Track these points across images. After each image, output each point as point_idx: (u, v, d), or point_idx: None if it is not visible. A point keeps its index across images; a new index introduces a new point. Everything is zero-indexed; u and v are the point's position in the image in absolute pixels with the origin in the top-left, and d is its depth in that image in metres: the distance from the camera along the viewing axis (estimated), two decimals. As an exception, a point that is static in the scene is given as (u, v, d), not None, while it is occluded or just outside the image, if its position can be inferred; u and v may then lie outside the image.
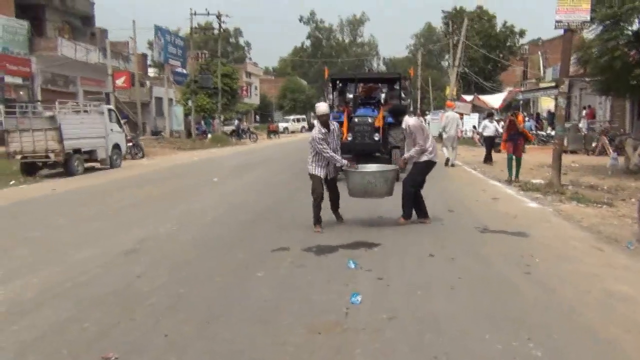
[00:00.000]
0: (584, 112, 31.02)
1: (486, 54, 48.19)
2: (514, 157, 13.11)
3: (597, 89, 17.44)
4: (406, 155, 8.07)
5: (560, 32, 12.82)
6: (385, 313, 4.30)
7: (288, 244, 6.66)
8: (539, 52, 47.95)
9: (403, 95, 16.10)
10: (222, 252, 6.42)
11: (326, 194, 7.72)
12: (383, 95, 15.91)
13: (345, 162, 7.64)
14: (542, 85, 41.80)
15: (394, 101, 14.84)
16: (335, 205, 8.00)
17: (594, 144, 22.21)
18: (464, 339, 3.83)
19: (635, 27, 15.03)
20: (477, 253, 6.21)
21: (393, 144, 13.55)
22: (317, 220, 7.54)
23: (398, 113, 8.45)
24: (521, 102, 45.39)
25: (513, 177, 13.10)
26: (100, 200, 10.88)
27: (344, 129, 12.89)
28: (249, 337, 3.87)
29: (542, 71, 45.39)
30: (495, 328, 4.01)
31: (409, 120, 7.94)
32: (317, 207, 7.51)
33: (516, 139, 13.08)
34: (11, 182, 13.82)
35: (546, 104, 41.63)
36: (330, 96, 15.70)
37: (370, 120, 13.30)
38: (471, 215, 8.69)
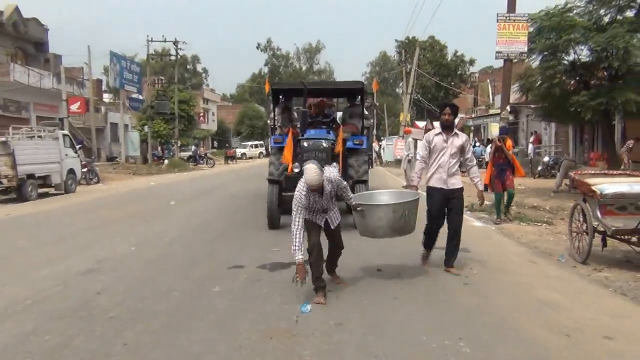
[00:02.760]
0: (531, 138, 32.46)
1: (437, 82, 49.80)
2: (506, 191, 10.83)
3: (539, 115, 18.47)
4: (480, 184, 6.59)
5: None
6: (333, 320, 4.65)
7: (244, 262, 6.95)
8: (488, 80, 49.81)
9: (366, 113, 13.19)
10: (180, 270, 6.65)
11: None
12: (340, 114, 12.94)
13: (299, 257, 5.16)
14: (491, 111, 43.44)
15: (354, 121, 11.62)
16: (333, 262, 5.99)
17: (539, 168, 23.30)
18: (403, 340, 4.21)
19: (571, 57, 16.10)
20: (421, 268, 6.63)
21: (355, 177, 10.09)
22: (318, 286, 5.33)
23: (454, 108, 6.57)
24: (472, 127, 47.07)
25: (502, 216, 10.88)
26: (56, 224, 10.90)
27: (287, 155, 9.65)
28: (206, 343, 4.14)
29: (491, 98, 47.20)
30: (432, 331, 4.40)
31: (461, 133, 6.52)
32: (316, 266, 5.36)
33: (505, 169, 10.74)
34: (-38, 208, 13.62)
35: (495, 129, 43.21)
36: (272, 114, 12.43)
37: (325, 144, 9.64)
38: (418, 234, 9.13)
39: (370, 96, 15.09)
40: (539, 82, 16.78)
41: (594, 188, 6.88)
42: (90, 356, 3.91)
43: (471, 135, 47.41)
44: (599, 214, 6.83)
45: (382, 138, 45.77)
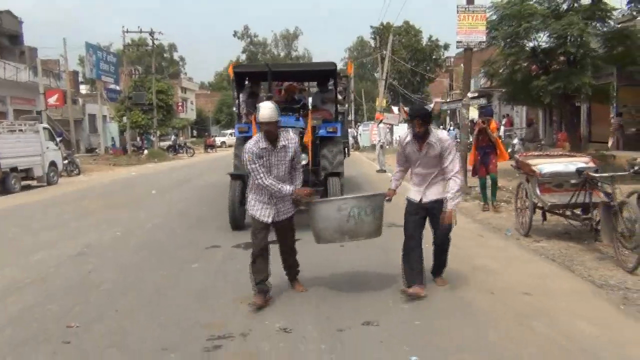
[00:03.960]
0: (503, 121, 33.46)
1: (412, 68, 50.52)
2: (488, 176, 10.30)
3: (503, 99, 19.34)
4: (451, 202, 5.08)
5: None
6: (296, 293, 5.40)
7: (220, 243, 7.67)
8: (462, 64, 50.67)
9: (340, 98, 12.03)
10: (163, 252, 7.36)
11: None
12: (310, 100, 11.71)
13: (290, 189, 4.95)
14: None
15: (327, 106, 10.64)
16: (291, 266, 5.40)
17: (509, 150, 24.24)
18: (360, 289, 4.97)
19: (532, 43, 16.93)
20: (379, 245, 7.33)
21: (329, 170, 9.26)
22: (259, 289, 4.94)
23: (426, 117, 5.09)
24: (448, 111, 48.04)
25: (491, 202, 10.43)
26: (43, 214, 11.49)
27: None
28: (188, 307, 4.87)
29: (465, 82, 48.06)
30: (381, 285, 5.23)
31: (441, 133, 5.34)
32: (256, 270, 4.97)
33: (488, 153, 10.19)
34: (-52, 201, 14.08)
35: (470, 113, 44.25)
36: (237, 101, 11.08)
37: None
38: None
39: (345, 79, 14.05)
40: (502, 69, 17.67)
41: (534, 168, 7.70)
42: (87, 320, 4.61)
43: (447, 119, 48.48)
44: (538, 191, 7.66)
45: (358, 124, 46.45)
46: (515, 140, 24.51)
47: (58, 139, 20.75)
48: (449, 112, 47.70)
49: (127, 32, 39.39)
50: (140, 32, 40.69)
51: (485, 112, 11.64)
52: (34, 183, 18.10)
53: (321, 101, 10.89)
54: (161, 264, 6.60)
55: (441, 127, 36.85)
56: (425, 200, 5.26)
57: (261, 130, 4.93)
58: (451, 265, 5.99)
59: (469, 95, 43.96)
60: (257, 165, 4.82)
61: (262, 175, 4.83)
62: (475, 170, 10.56)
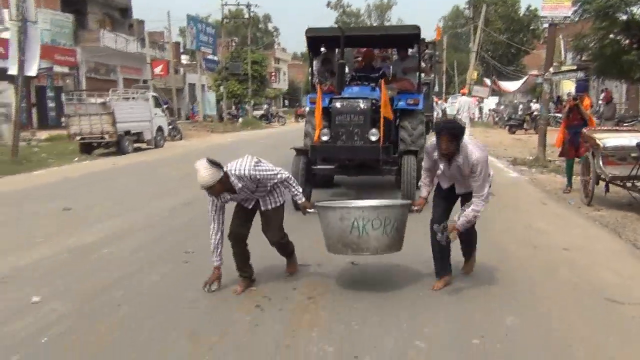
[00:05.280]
0: (601, 96, 32.33)
1: (506, 40, 49.06)
2: (579, 159, 9.30)
3: (592, 74, 19.05)
4: (459, 221, 4.41)
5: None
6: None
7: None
8: (560, 36, 48.66)
9: (423, 66, 10.84)
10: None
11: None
12: (390, 68, 10.42)
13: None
14: (563, 68, 42.80)
15: (409, 76, 9.79)
16: (285, 250, 4.90)
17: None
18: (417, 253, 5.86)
19: (626, 17, 16.56)
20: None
21: (407, 146, 8.51)
22: (241, 273, 4.68)
23: (455, 134, 4.31)
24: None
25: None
26: (152, 172, 13.22)
27: (316, 119, 8.25)
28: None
29: (563, 55, 46.33)
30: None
31: (472, 149, 4.34)
32: (236, 256, 4.65)
33: (579, 133, 9.05)
34: (75, 159, 16.23)
35: (567, 87, 42.71)
36: (310, 69, 10.38)
37: (362, 105, 7.87)
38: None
39: (431, 46, 12.84)
40: (592, 42, 17.42)
41: (598, 142, 8.18)
42: (198, 248, 5.75)
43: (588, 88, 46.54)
44: (601, 163, 8.13)
45: (447, 96, 46.12)
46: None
47: (164, 107, 22.78)
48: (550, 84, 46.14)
49: (226, 4, 41.35)
50: (238, 4, 42.57)
51: (578, 88, 11.22)
52: (144, 146, 20.15)
53: (402, 70, 9.99)
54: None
55: (534, 101, 35.87)
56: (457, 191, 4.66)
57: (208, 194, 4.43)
58: (505, 225, 6.74)
59: (566, 68, 42.16)
60: (214, 215, 4.56)
61: (214, 226, 4.55)
62: (564, 151, 9.70)
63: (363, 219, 4.29)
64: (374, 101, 7.98)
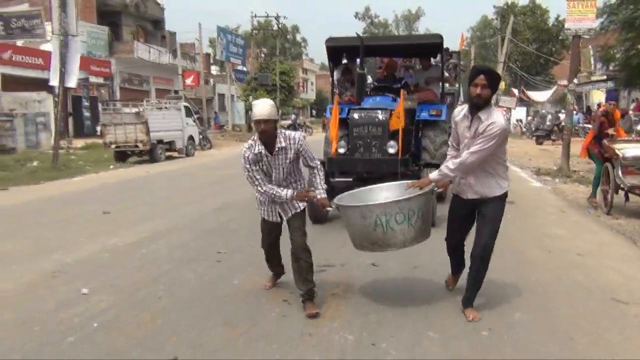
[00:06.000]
0: (632, 105, 32.06)
1: (534, 51, 48.83)
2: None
3: (619, 85, 19.10)
4: (433, 173, 4.38)
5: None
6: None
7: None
8: (590, 46, 48.31)
9: (447, 75, 10.63)
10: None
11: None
12: (412, 79, 10.11)
13: (290, 193, 4.42)
14: (593, 78, 42.47)
15: (432, 86, 9.68)
16: (301, 271, 4.47)
17: (632, 135, 23.52)
18: (434, 256, 6.18)
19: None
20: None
21: (428, 159, 8.51)
22: (272, 271, 5.06)
23: (493, 77, 4.03)
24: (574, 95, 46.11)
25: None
26: (185, 180, 13.74)
27: (331, 130, 8.13)
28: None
29: (592, 65, 45.95)
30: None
31: (498, 115, 4.07)
32: (269, 259, 4.98)
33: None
34: (110, 167, 16.92)
35: (597, 97, 42.34)
36: (331, 79, 10.18)
37: (381, 116, 7.72)
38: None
39: (455, 55, 12.77)
40: (618, 53, 17.53)
41: (617, 152, 8.38)
42: (230, 250, 6.24)
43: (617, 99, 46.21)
44: (620, 173, 8.32)
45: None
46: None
47: (195, 116, 23.46)
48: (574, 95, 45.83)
49: (255, 16, 42.16)
50: (267, 16, 43.36)
51: (608, 97, 11.06)
52: (175, 154, 20.81)
53: (424, 80, 9.83)
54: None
55: (563, 111, 35.66)
56: (473, 197, 4.28)
57: (256, 130, 4.28)
58: (523, 230, 6.99)
59: (595, 78, 41.79)
60: (253, 172, 4.37)
61: (258, 182, 4.38)
62: (589, 152, 9.64)
63: (385, 215, 4.13)
64: (392, 112, 7.74)
